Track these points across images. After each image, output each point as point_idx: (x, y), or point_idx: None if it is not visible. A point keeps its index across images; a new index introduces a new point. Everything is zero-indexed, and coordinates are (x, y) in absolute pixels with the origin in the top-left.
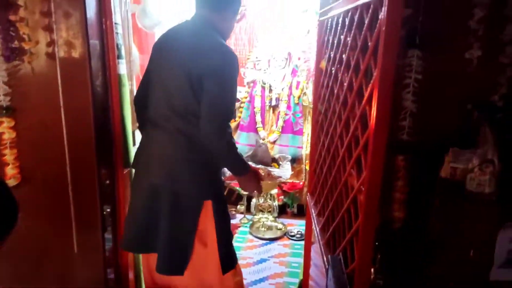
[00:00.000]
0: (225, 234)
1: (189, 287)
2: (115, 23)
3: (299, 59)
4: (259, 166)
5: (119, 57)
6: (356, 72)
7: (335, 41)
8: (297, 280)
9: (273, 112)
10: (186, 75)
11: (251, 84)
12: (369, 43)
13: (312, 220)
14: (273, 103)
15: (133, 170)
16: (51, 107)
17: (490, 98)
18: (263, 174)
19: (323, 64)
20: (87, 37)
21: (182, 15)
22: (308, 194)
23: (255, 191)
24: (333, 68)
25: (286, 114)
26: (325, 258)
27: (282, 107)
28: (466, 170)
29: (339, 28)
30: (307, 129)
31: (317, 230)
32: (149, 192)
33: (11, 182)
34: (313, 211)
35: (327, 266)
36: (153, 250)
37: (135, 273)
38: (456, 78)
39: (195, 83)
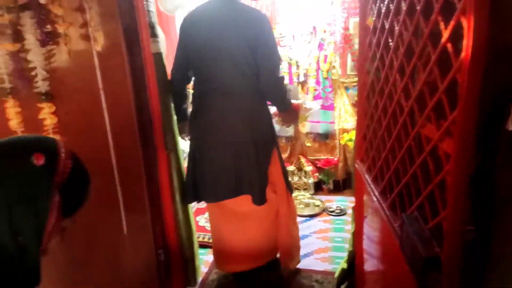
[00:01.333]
0: (286, 174)
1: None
2: (147, 0)
3: (324, 32)
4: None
5: (153, 35)
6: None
7: None
8: (342, 254)
9: (302, 88)
10: (245, 42)
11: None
12: None
13: (367, 188)
14: (301, 79)
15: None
16: (90, 91)
17: None
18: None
19: (370, 20)
20: (120, 15)
21: None
22: (358, 161)
23: (293, 123)
24: (386, 21)
25: (315, 90)
26: (391, 221)
27: (311, 82)
28: None
29: None
30: (338, 103)
31: (376, 195)
32: (232, 149)
33: None
34: (367, 177)
35: (398, 228)
36: (241, 193)
37: (185, 256)
38: None
39: (252, 47)
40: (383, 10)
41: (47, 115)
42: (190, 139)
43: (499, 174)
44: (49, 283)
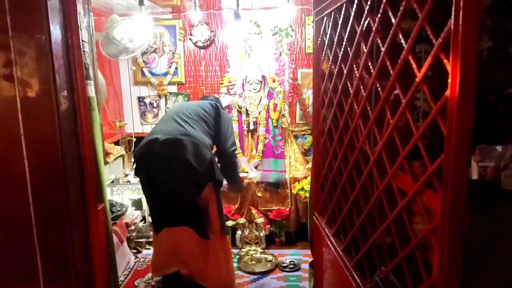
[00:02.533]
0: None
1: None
2: (82, 41)
3: (274, 81)
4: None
5: (87, 77)
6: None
7: (345, 34)
8: None
9: (252, 136)
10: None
11: (226, 109)
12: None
13: (327, 242)
14: (251, 127)
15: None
16: (9, 139)
17: (505, 91)
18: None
19: (325, 65)
20: (51, 55)
21: (149, 39)
22: (315, 214)
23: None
24: (343, 65)
25: (265, 138)
26: (359, 283)
27: (261, 131)
28: (499, 167)
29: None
30: (289, 152)
31: (340, 252)
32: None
33: None
34: (327, 232)
35: None
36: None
37: None
38: None
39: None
40: (339, 54)
41: None
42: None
43: (472, 224)
44: None
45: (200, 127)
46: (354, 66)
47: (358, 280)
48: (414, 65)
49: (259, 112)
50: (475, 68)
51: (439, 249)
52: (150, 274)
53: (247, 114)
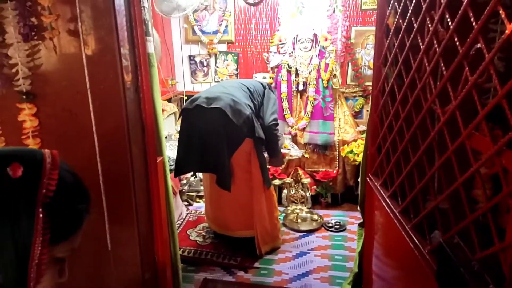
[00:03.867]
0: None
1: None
2: None
3: (326, 40)
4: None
5: (146, 34)
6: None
7: None
8: (343, 274)
9: (301, 97)
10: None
11: (276, 69)
12: None
13: (381, 204)
14: (301, 87)
15: (166, 159)
16: (76, 91)
17: None
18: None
19: (391, 20)
20: (114, 10)
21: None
22: (370, 175)
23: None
24: (414, 19)
25: (315, 99)
26: (419, 244)
27: (310, 91)
28: None
29: None
30: (338, 114)
31: (396, 214)
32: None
33: None
34: (383, 193)
35: (427, 253)
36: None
37: (172, 271)
38: None
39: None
40: (410, 7)
41: (27, 116)
42: None
43: None
44: None
45: (244, 94)
46: (428, 19)
47: (417, 241)
48: (503, 14)
49: (309, 72)
50: None
51: None
52: (201, 225)
53: (297, 74)
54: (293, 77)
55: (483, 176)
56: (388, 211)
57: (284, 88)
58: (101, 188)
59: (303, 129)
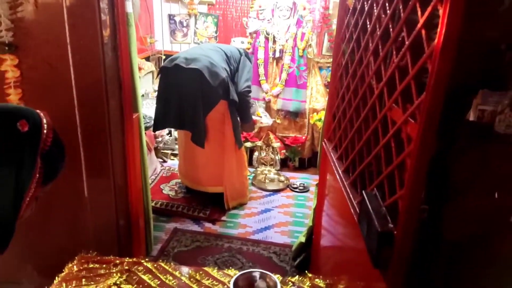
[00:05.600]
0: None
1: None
2: None
3: (304, 9)
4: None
5: None
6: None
7: None
8: (301, 229)
9: (277, 64)
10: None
11: (254, 35)
12: None
13: (332, 166)
14: (277, 55)
15: (141, 115)
16: (56, 44)
17: None
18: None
19: (350, 1)
20: None
21: None
22: (325, 140)
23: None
24: (366, 3)
25: (290, 67)
26: (352, 197)
27: (286, 59)
28: (495, 112)
29: None
30: (311, 83)
31: (339, 173)
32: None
33: None
34: (332, 156)
35: (356, 204)
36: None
37: (145, 220)
38: (487, 18)
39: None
40: None
41: (8, 67)
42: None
43: (456, 160)
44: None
45: (221, 58)
46: (374, 4)
47: (351, 196)
48: (419, 12)
49: (286, 40)
50: (460, 20)
51: (410, 169)
52: (174, 181)
53: (274, 41)
54: (270, 44)
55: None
56: (335, 171)
57: (261, 54)
58: (79, 139)
59: (277, 96)
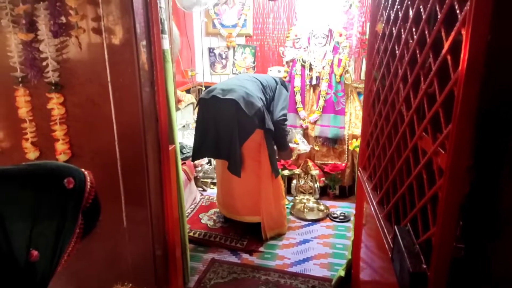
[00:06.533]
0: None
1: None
2: None
3: (340, 35)
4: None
5: (162, 32)
6: (430, 23)
7: None
8: (341, 261)
9: (314, 91)
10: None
11: (291, 63)
12: None
13: (367, 196)
14: (314, 82)
15: (177, 147)
16: (98, 83)
17: None
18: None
19: (380, 26)
20: (133, 11)
21: None
22: (360, 169)
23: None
24: (394, 28)
25: (327, 94)
26: (386, 232)
27: (323, 86)
28: None
29: None
30: (350, 108)
31: (374, 204)
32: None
33: (62, 158)
34: (367, 186)
35: (390, 239)
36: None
37: (182, 251)
38: None
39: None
40: (392, 17)
41: (55, 105)
42: None
43: (504, 190)
44: None
45: (256, 86)
46: (402, 29)
47: (385, 230)
48: (444, 36)
49: (323, 67)
50: (484, 44)
51: (441, 204)
52: (213, 210)
53: (311, 69)
54: (306, 71)
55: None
56: (370, 202)
57: (297, 82)
58: (119, 170)
59: (315, 122)
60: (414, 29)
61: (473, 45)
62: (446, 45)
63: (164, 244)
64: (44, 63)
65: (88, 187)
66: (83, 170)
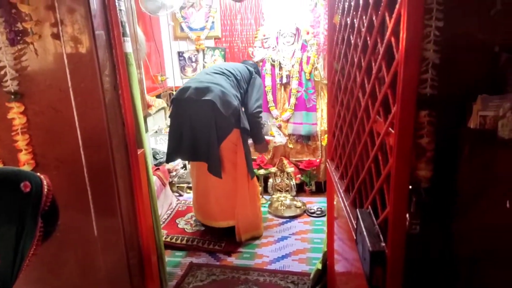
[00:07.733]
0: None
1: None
2: None
3: (307, 33)
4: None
5: (124, 34)
6: (377, 10)
7: None
8: (319, 255)
9: (285, 90)
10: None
11: (260, 63)
12: None
13: (335, 186)
14: (284, 80)
15: (147, 151)
16: (59, 89)
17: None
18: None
19: (337, 18)
20: (90, 14)
21: None
22: (328, 160)
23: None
24: (348, 18)
25: (298, 91)
26: (351, 218)
27: (294, 84)
28: (497, 117)
29: None
30: (321, 105)
31: (341, 193)
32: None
33: (26, 168)
34: (334, 175)
35: (355, 224)
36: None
37: (157, 255)
38: (480, 22)
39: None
40: (345, 8)
41: (15, 114)
42: None
43: (461, 171)
44: (21, 283)
45: (231, 82)
46: (354, 19)
47: (351, 216)
48: (388, 19)
49: (292, 65)
50: (421, 25)
51: (393, 181)
52: (189, 214)
53: (280, 68)
54: (276, 70)
55: (423, 159)
56: (337, 191)
57: (268, 81)
58: (86, 178)
59: (287, 121)
60: (364, 17)
61: (410, 25)
62: (390, 28)
63: (138, 251)
64: (2, 72)
65: (46, 190)
66: (38, 174)
